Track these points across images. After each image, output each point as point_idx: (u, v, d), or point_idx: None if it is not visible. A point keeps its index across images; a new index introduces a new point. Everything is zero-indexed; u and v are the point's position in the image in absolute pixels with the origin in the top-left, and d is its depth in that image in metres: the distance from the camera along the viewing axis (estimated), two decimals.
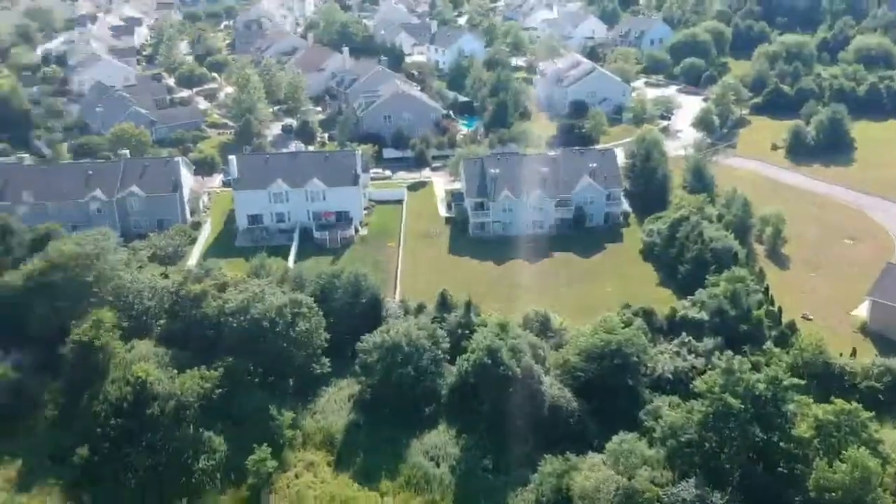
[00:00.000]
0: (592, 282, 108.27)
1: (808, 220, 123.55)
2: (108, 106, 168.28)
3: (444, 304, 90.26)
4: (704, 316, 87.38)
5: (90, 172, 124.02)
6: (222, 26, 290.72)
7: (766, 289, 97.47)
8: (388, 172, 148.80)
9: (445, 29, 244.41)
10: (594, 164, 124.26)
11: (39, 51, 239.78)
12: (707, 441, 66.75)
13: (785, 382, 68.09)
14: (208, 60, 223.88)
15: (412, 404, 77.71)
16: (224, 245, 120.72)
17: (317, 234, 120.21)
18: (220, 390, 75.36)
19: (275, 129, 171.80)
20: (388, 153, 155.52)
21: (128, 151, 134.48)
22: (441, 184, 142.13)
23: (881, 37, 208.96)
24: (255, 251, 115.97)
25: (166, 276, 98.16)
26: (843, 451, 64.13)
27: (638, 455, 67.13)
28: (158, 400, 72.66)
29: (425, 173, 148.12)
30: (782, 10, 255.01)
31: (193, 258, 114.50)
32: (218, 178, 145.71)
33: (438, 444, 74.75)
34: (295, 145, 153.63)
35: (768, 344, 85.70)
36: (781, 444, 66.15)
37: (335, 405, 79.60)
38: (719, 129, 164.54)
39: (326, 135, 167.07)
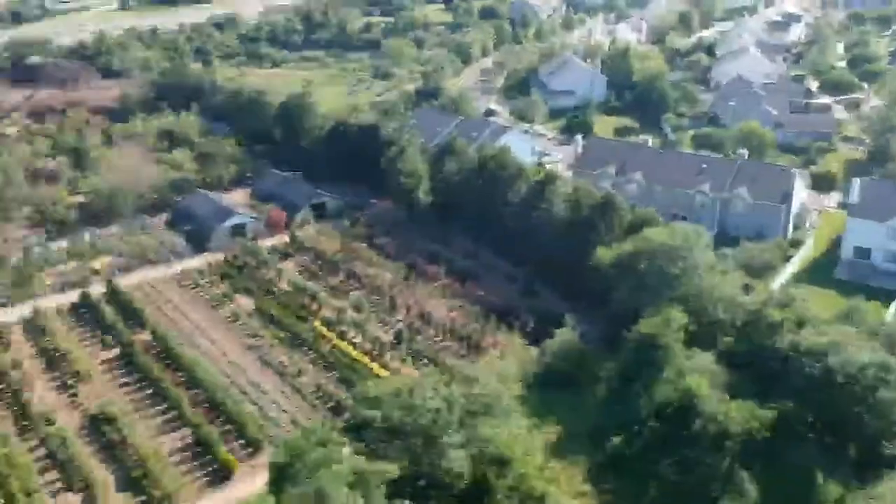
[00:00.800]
0: None
1: None
2: (741, 101, 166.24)
3: None
4: None
5: (703, 165, 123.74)
6: (889, 31, 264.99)
7: None
8: None
9: None
10: None
11: (694, 38, 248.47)
12: None
13: None
14: (863, 68, 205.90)
15: None
16: (820, 273, 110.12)
17: None
18: (768, 433, 68.17)
19: None
20: None
21: (747, 152, 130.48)
22: None
23: None
24: (853, 288, 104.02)
25: (747, 290, 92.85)
26: None
27: None
28: (702, 419, 68.75)
29: None
30: None
31: (783, 277, 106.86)
32: (834, 198, 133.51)
33: None
34: None
35: None
36: None
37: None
38: None
39: None
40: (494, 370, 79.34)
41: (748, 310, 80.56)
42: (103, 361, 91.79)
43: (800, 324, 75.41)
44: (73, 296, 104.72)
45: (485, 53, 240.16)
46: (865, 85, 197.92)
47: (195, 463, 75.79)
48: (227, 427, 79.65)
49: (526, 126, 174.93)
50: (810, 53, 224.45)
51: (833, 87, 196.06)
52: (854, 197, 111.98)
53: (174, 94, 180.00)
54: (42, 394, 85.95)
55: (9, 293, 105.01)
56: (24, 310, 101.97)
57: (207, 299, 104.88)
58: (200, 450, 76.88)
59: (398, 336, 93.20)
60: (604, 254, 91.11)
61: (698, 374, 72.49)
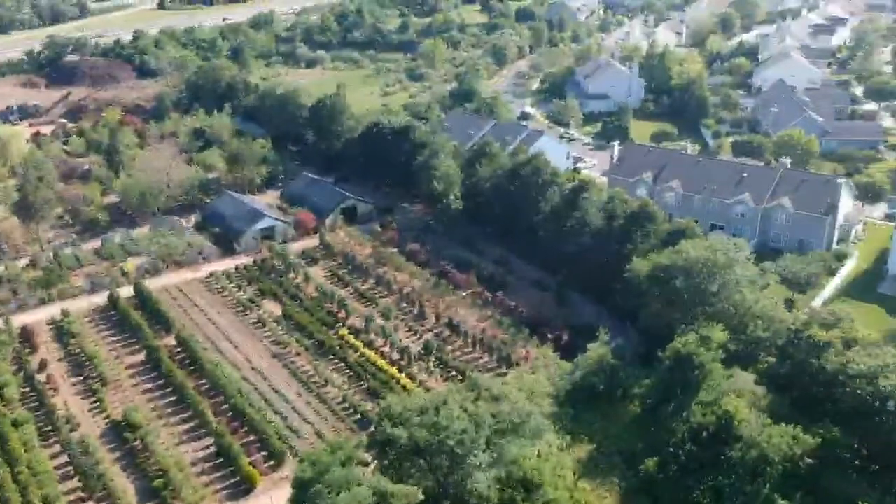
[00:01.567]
0: None
1: None
2: (783, 107, 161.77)
3: None
4: None
5: (744, 174, 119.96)
6: None
7: None
8: None
9: None
10: None
11: (734, 41, 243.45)
12: None
13: None
14: None
15: None
16: (865, 287, 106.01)
17: None
18: (811, 461, 64.94)
19: None
20: None
21: (789, 160, 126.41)
22: None
23: None
24: None
25: (791, 305, 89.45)
26: None
27: None
28: (741, 444, 65.70)
29: None
30: None
31: (827, 292, 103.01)
32: (882, 209, 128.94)
33: None
34: None
35: None
36: None
37: None
38: None
39: None
40: (525, 385, 76.78)
41: (791, 328, 77.10)
42: (129, 366, 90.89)
43: (847, 344, 71.85)
44: (101, 297, 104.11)
45: (521, 55, 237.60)
46: None
47: (217, 474, 74.39)
48: (250, 437, 78.09)
49: (561, 130, 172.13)
50: (855, 58, 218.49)
51: (878, 93, 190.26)
52: None
53: (208, 93, 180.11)
54: (67, 398, 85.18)
55: (38, 293, 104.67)
56: (52, 311, 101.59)
57: (234, 303, 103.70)
58: (222, 460, 75.41)
59: (427, 346, 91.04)
60: (639, 265, 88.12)
61: (737, 396, 69.43)
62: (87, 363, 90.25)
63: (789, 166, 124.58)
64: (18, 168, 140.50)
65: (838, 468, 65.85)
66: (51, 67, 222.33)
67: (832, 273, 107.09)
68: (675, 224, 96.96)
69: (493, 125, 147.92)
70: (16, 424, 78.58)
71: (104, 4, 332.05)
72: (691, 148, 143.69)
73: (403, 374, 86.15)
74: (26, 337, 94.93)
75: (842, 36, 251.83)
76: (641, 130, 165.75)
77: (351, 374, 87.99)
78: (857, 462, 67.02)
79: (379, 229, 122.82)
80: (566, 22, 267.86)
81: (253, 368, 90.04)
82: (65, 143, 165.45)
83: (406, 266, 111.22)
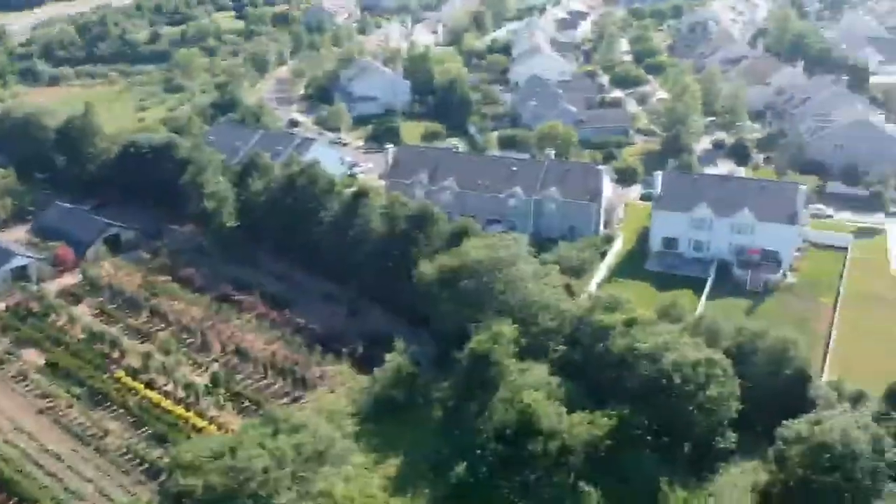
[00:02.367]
0: None
1: None
2: (540, 100, 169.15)
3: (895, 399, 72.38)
4: None
5: (514, 168, 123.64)
6: (665, 26, 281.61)
7: None
8: (829, 211, 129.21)
9: None
10: None
11: (488, 38, 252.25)
12: None
13: None
14: (646, 62, 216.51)
15: None
16: (633, 266, 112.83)
17: (737, 272, 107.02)
18: (609, 442, 67.33)
19: (704, 144, 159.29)
20: (833, 188, 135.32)
21: (553, 151, 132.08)
22: None
23: None
24: (665, 279, 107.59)
25: (571, 293, 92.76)
26: None
27: None
28: (543, 436, 66.82)
29: (878, 219, 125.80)
30: None
31: (600, 274, 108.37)
32: (636, 190, 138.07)
33: None
34: (728, 168, 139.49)
35: None
36: None
37: (735, 492, 67.40)
38: None
39: (762, 157, 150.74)
40: (324, 407, 73.97)
41: (576, 315, 79.90)
42: None
43: (629, 325, 75.32)
44: None
45: (282, 62, 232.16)
46: (651, 78, 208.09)
47: None
48: None
49: (332, 136, 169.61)
50: (599, 50, 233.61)
51: (622, 81, 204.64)
52: (658, 189, 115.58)
53: None
54: None
55: None
56: None
57: None
58: None
59: (214, 378, 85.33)
60: (426, 269, 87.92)
61: (534, 390, 70.56)
62: None
63: (553, 157, 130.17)
64: None
65: (634, 446, 68.76)
66: None
67: (603, 256, 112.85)
68: (456, 224, 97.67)
69: (262, 135, 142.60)
70: None
71: None
72: (461, 145, 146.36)
73: (192, 413, 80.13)
74: None
75: (584, 29, 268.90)
76: (412, 131, 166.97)
77: (132, 419, 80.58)
78: (649, 438, 70.31)
79: (147, 257, 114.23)
80: (325, 25, 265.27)
81: (16, 429, 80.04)
82: None
83: (182, 294, 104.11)
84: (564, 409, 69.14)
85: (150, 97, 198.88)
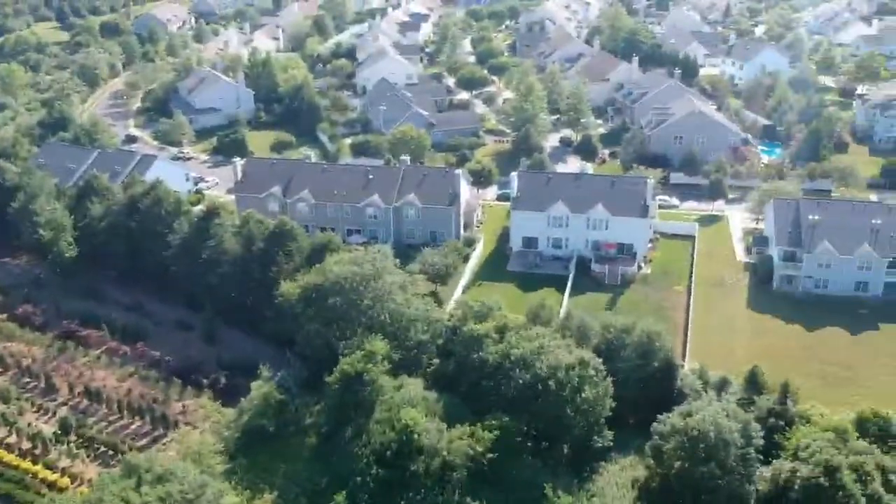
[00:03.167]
0: None
1: None
2: (390, 104, 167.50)
3: (755, 383, 75.46)
4: None
5: (370, 176, 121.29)
6: (504, 27, 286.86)
7: None
8: (674, 200, 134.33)
9: (743, 41, 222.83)
10: None
11: (331, 42, 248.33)
12: None
13: None
14: (489, 62, 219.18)
15: None
16: (496, 267, 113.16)
17: (595, 267, 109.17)
18: (492, 454, 66.34)
19: (552, 141, 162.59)
20: (676, 178, 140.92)
21: (409, 158, 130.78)
22: (738, 220, 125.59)
23: None
24: (528, 278, 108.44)
25: (439, 301, 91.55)
26: None
27: None
28: (424, 455, 65.15)
29: (719, 206, 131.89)
30: None
31: (465, 278, 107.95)
32: (493, 191, 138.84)
33: None
34: (579, 165, 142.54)
35: None
36: None
37: (616, 489, 68.05)
38: None
39: (607, 151, 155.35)
40: (189, 447, 69.17)
41: (448, 325, 78.61)
42: None
43: (501, 332, 74.74)
44: None
45: (114, 74, 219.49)
46: (495, 78, 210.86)
47: None
48: None
49: (174, 151, 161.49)
50: (442, 51, 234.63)
51: (468, 82, 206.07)
52: (515, 190, 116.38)
53: None
54: None
55: None
56: None
57: None
58: None
59: (63, 424, 78.33)
60: (289, 288, 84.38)
61: (412, 407, 68.77)
62: None
63: (409, 163, 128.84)
64: None
65: (515, 454, 68.15)
66: None
67: (466, 259, 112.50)
68: (316, 239, 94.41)
69: (98, 155, 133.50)
70: None
71: None
72: (314, 155, 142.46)
73: (40, 466, 73.21)
74: None
75: (426, 31, 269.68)
76: (259, 142, 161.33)
77: None
78: (529, 444, 69.95)
79: None
80: (157, 34, 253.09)
81: None
82: None
83: (20, 333, 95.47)
84: (444, 425, 67.68)
85: None
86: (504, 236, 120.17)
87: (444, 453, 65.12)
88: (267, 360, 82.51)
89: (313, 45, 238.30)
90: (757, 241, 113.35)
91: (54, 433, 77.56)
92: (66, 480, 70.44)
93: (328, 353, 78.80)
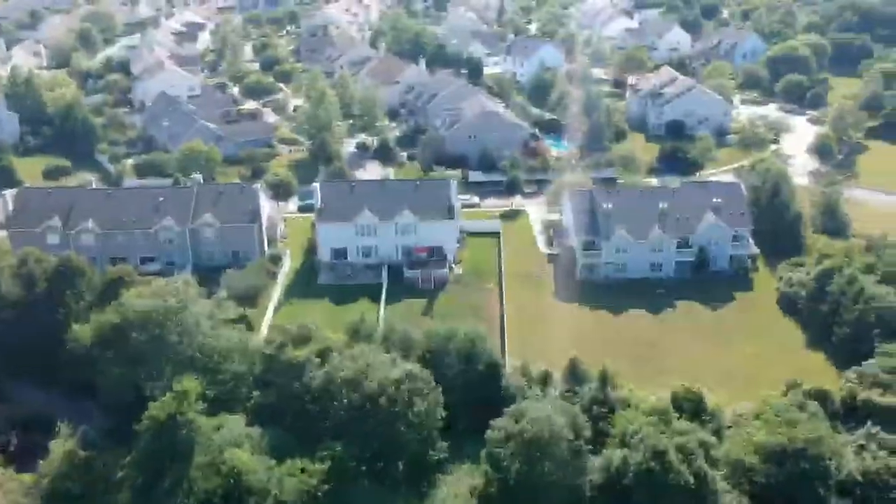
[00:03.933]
0: (727, 341, 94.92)
1: None
2: (174, 119, 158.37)
3: (575, 374, 77.46)
4: (894, 401, 73.34)
5: (161, 199, 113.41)
6: (285, 32, 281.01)
7: None
8: (475, 199, 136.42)
9: (522, 39, 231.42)
10: (718, 200, 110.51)
11: (101, 56, 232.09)
12: None
13: None
14: (275, 70, 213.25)
15: None
16: (306, 282, 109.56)
17: (407, 273, 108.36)
18: (327, 485, 63.37)
19: (348, 147, 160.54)
20: (474, 177, 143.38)
21: (201, 176, 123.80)
22: (536, 213, 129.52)
23: None
24: (341, 291, 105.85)
25: (251, 326, 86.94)
26: None
27: None
28: (255, 497, 61.04)
29: (517, 201, 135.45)
30: (882, 20, 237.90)
31: (275, 297, 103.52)
32: (294, 202, 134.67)
33: None
34: (375, 169, 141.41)
35: None
36: None
37: (455, 501, 67.21)
38: (836, 156, 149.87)
39: (404, 154, 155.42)
40: None
41: (265, 353, 74.44)
42: None
43: (322, 355, 71.71)
44: None
45: None
46: (282, 85, 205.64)
47: None
48: None
49: None
50: (224, 60, 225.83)
51: (254, 91, 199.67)
52: (318, 201, 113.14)
53: None
54: None
55: None
56: None
57: None
58: None
59: None
60: (82, 331, 76.93)
61: (235, 447, 64.34)
62: None
63: (202, 181, 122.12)
64: None
65: (351, 481, 65.60)
66: None
67: (274, 277, 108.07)
68: (108, 273, 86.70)
69: None
70: None
71: None
72: (95, 180, 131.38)
73: None
74: None
75: (205, 40, 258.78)
76: (29, 169, 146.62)
77: None
78: (364, 468, 67.57)
79: None
80: None
81: None
82: None
83: None
84: (273, 461, 63.87)
85: None
86: (311, 249, 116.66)
87: (276, 492, 61.44)
88: (66, 414, 74.69)
89: (81, 60, 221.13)
90: (557, 232, 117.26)
91: None
92: None
93: (135, 398, 72.52)
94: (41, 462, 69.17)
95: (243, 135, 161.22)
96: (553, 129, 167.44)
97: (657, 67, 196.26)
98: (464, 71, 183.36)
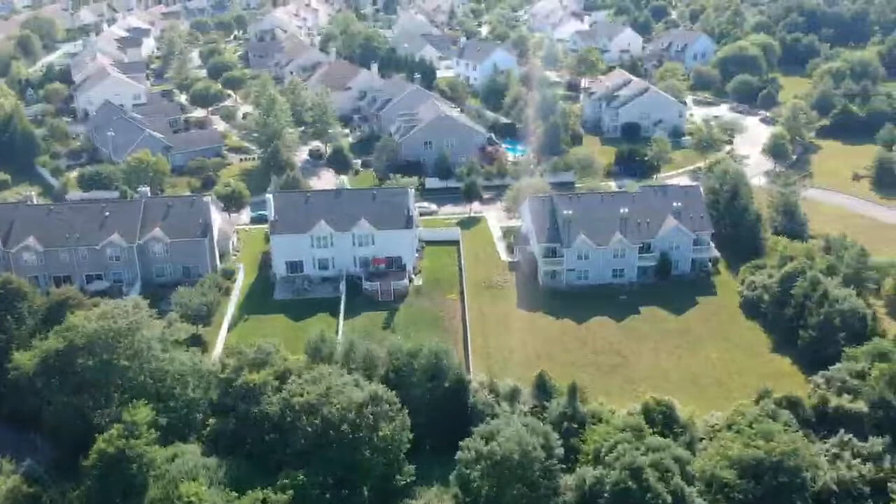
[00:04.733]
0: (692, 346, 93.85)
1: None
2: (119, 129, 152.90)
3: (543, 388, 75.39)
4: (863, 407, 72.58)
5: (107, 213, 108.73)
6: (232, 37, 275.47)
7: None
8: (433, 206, 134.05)
9: (474, 42, 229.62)
10: (678, 204, 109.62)
11: (40, 64, 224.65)
12: None
13: None
14: (223, 76, 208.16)
15: None
16: (261, 297, 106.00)
17: (366, 285, 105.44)
18: None
19: (301, 154, 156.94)
20: (431, 183, 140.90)
21: (148, 189, 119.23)
22: (495, 219, 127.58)
23: None
24: (297, 305, 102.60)
25: (204, 348, 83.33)
26: None
27: None
28: None
29: (475, 207, 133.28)
30: (827, 21, 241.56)
31: (229, 314, 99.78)
32: (247, 213, 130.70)
33: None
34: (329, 177, 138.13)
35: None
36: None
37: None
38: (790, 157, 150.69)
39: (359, 161, 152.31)
40: None
41: (221, 378, 70.95)
42: None
43: (282, 378, 68.51)
44: None
45: None
46: (231, 92, 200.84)
47: None
48: None
49: None
50: (171, 67, 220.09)
51: (202, 98, 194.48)
52: (272, 213, 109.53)
53: None
54: None
55: None
56: None
57: None
58: None
59: None
60: (23, 359, 72.58)
61: (191, 480, 60.89)
62: None
63: (149, 194, 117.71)
64: None
65: None
66: None
67: (227, 293, 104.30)
68: (53, 295, 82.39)
69: None
70: None
71: None
72: (35, 195, 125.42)
73: None
74: None
75: (150, 46, 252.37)
76: None
77: None
78: (328, 495, 64.53)
79: None
80: None
81: None
82: None
83: None
84: (234, 494, 60.58)
85: None
86: (266, 262, 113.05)
87: None
88: (8, 448, 70.41)
89: (19, 68, 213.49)
90: (518, 239, 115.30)
91: None
92: None
93: (83, 427, 68.62)
94: None
95: (192, 144, 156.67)
96: (509, 133, 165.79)
97: (610, 69, 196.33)
98: (417, 75, 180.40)
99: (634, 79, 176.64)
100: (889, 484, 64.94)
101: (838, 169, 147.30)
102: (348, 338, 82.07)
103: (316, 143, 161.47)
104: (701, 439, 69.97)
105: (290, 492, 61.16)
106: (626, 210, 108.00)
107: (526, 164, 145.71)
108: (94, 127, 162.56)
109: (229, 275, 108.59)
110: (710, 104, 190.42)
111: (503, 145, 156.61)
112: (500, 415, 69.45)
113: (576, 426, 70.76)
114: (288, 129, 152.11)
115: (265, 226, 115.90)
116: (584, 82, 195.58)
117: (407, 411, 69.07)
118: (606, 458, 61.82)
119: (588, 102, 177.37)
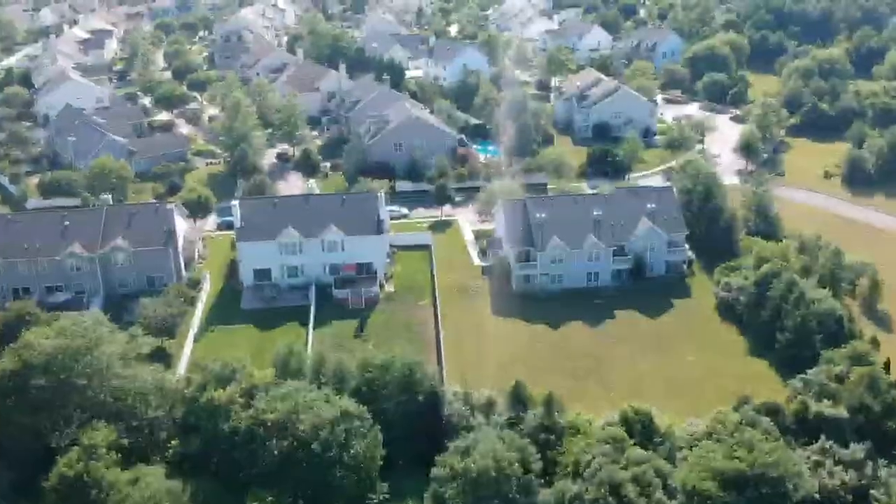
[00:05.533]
0: (668, 350, 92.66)
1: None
2: (81, 134, 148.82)
3: (519, 398, 73.55)
4: (843, 412, 71.59)
5: (67, 223, 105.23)
6: (198, 38, 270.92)
7: (887, 364, 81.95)
8: (404, 210, 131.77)
9: (443, 42, 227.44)
10: (652, 205, 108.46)
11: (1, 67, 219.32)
12: None
13: None
14: (188, 78, 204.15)
15: None
16: (228, 307, 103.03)
17: (336, 293, 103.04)
18: None
19: (269, 158, 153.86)
20: (402, 186, 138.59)
21: (110, 196, 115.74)
22: (467, 223, 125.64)
23: None
24: (266, 315, 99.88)
25: (169, 363, 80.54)
26: None
27: None
28: None
29: (447, 210, 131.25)
30: (794, 19, 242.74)
31: (195, 325, 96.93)
32: (213, 220, 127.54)
33: None
34: (297, 181, 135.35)
35: None
36: None
37: None
38: (762, 155, 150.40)
39: (328, 164, 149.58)
40: None
41: (185, 395, 68.32)
42: None
43: (249, 395, 66.05)
44: None
45: None
46: (197, 95, 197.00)
47: None
48: None
49: None
50: (134, 69, 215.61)
51: (166, 101, 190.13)
52: (238, 220, 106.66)
53: None
54: None
55: None
56: None
57: None
58: None
59: None
60: None
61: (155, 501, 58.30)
62: None
63: (111, 201, 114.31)
64: None
65: None
66: None
67: (193, 303, 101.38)
68: (9, 311, 79.33)
69: None
70: None
71: None
72: None
73: None
74: None
75: (112, 48, 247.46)
76: None
77: None
78: None
79: None
80: None
81: None
82: None
83: None
84: None
85: None
86: (233, 270, 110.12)
87: None
88: None
89: None
90: (491, 243, 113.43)
91: None
92: None
93: (41, 450, 65.70)
94: None
95: (156, 149, 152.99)
96: (480, 134, 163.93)
97: (580, 69, 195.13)
98: (386, 76, 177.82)
99: (605, 78, 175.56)
100: (871, 491, 64.02)
101: (809, 167, 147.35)
102: (318, 351, 79.67)
103: (284, 146, 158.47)
104: (681, 448, 68.49)
105: None
106: (600, 212, 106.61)
107: (497, 165, 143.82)
108: (54, 132, 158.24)
109: (195, 284, 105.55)
110: (680, 103, 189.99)
111: (474, 146, 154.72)
112: (475, 427, 67.43)
113: (553, 438, 69.02)
114: (255, 132, 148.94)
115: (232, 232, 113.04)
116: (554, 82, 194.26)
117: (379, 427, 67.00)
118: (585, 472, 60.12)
119: (559, 102, 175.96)
